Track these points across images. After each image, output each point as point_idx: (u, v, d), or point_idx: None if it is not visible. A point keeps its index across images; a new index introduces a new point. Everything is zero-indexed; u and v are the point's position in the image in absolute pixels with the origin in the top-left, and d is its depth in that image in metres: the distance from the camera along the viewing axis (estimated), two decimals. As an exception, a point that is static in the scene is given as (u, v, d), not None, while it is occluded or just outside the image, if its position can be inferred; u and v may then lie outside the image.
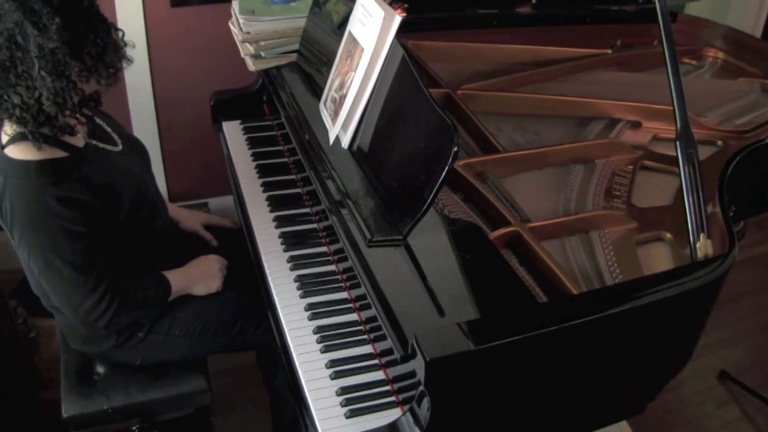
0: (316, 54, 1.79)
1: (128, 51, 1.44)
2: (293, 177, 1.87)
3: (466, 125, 1.75)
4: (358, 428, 1.25)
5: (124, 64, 1.44)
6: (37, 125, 1.32)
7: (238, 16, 1.88)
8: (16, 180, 1.35)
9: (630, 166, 1.70)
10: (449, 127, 1.26)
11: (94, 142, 1.51)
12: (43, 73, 1.26)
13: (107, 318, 1.46)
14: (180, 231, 1.84)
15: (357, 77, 1.50)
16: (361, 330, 1.43)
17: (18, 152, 1.35)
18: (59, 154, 1.38)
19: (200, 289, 1.66)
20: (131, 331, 1.59)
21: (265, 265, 1.59)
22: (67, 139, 1.39)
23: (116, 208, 1.46)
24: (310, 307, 1.48)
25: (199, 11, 2.48)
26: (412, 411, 1.16)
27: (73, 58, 1.30)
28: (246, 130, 2.06)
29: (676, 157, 1.40)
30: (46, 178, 1.35)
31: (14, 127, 1.35)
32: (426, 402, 1.12)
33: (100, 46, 1.35)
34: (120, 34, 1.42)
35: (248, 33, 1.85)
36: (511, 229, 1.41)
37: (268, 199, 1.79)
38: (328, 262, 1.60)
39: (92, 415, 1.59)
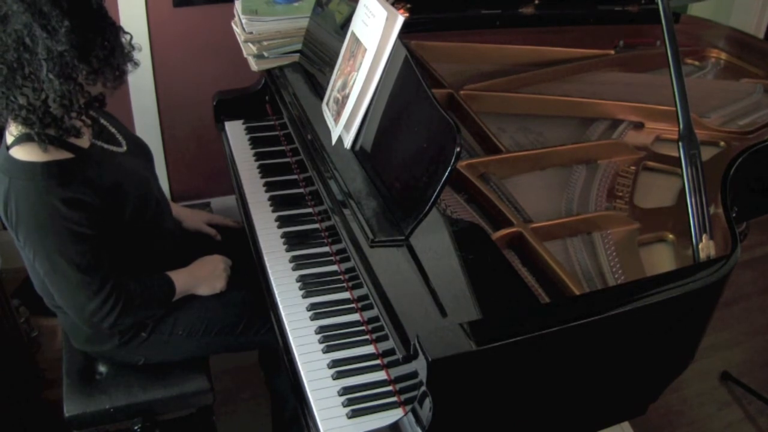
0: (318, 54, 1.79)
1: (133, 54, 1.44)
2: (296, 177, 1.87)
3: (469, 126, 1.75)
4: (359, 428, 1.25)
5: (130, 67, 1.44)
6: (43, 127, 1.32)
7: (241, 16, 1.87)
8: (21, 181, 1.34)
9: (633, 167, 1.70)
10: (452, 127, 1.26)
11: (99, 143, 1.50)
12: (51, 75, 1.26)
13: (112, 319, 1.46)
14: (184, 231, 1.84)
15: (360, 77, 1.50)
16: (363, 330, 1.43)
17: (23, 153, 1.35)
18: (65, 155, 1.37)
19: (204, 290, 1.66)
20: (135, 331, 1.60)
21: (268, 265, 1.59)
22: (73, 140, 1.39)
23: (121, 209, 1.46)
24: (312, 307, 1.48)
25: (201, 11, 2.48)
26: (413, 411, 1.16)
27: (81, 60, 1.29)
28: (249, 130, 2.06)
29: (679, 158, 1.40)
30: (52, 179, 1.34)
31: (19, 128, 1.35)
32: (428, 402, 1.12)
33: (108, 49, 1.35)
34: (128, 37, 1.42)
35: (251, 33, 1.85)
36: (513, 229, 1.41)
37: (270, 199, 1.79)
38: (331, 263, 1.60)
39: (94, 414, 1.59)
